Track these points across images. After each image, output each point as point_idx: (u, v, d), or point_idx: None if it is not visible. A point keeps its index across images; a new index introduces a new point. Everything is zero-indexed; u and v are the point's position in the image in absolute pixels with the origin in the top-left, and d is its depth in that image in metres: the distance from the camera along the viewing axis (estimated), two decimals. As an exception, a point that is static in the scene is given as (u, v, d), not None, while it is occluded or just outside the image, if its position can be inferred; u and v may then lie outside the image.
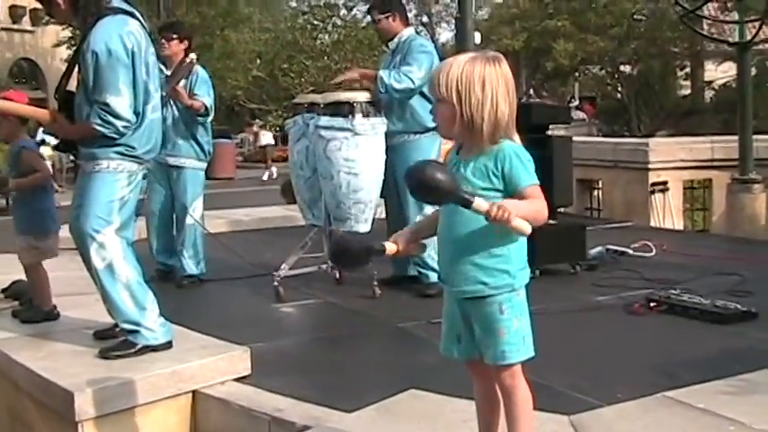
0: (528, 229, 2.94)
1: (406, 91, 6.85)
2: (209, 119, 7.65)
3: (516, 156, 3.03)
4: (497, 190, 3.03)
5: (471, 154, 3.09)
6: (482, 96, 3.00)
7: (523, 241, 3.11)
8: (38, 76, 36.10)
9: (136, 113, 4.95)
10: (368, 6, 8.30)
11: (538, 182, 3.05)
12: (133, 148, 4.98)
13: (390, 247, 3.18)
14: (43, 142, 19.08)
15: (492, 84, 3.01)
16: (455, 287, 3.15)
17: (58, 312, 5.93)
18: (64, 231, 6.20)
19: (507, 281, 3.07)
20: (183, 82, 7.42)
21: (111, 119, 4.83)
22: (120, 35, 4.87)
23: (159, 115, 5.24)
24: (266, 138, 27.28)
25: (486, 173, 3.04)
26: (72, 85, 5.14)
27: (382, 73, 6.88)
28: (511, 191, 3.02)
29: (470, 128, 3.03)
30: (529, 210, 2.99)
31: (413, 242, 3.26)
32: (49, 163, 18.74)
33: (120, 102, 4.85)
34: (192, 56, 7.58)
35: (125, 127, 4.89)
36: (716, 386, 4.41)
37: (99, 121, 4.84)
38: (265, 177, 24.36)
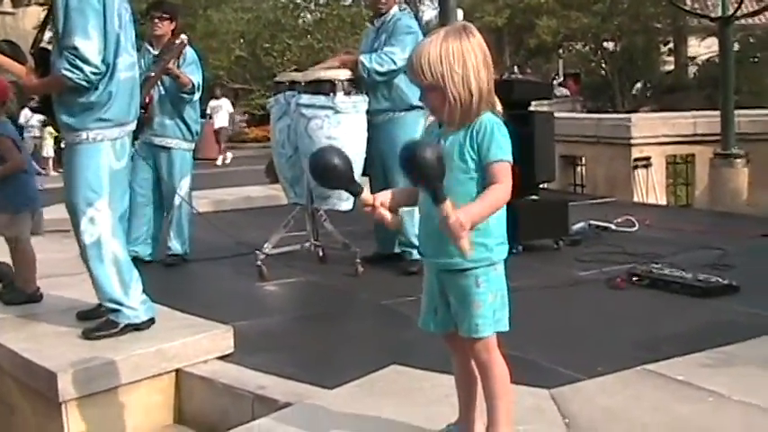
0: (467, 252, 2.92)
1: (389, 73, 6.85)
2: (196, 97, 7.61)
3: (492, 129, 3.03)
4: (473, 161, 3.02)
5: (452, 127, 3.09)
6: (464, 72, 3.00)
7: (503, 216, 3.12)
8: (19, 57, 35.75)
9: (106, 64, 4.85)
10: None
11: (509, 159, 3.04)
12: (111, 106, 4.90)
13: (367, 196, 3.12)
14: (23, 128, 18.87)
15: (470, 56, 3.01)
16: (434, 259, 3.16)
17: (41, 294, 5.91)
18: (50, 213, 6.22)
19: (485, 254, 3.08)
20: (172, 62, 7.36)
21: (79, 63, 4.72)
22: None
23: (134, 75, 5.13)
24: (220, 119, 26.26)
25: (464, 144, 3.04)
26: (48, 43, 5.09)
27: (363, 58, 6.86)
28: (480, 163, 3.02)
29: (460, 106, 3.02)
30: (489, 206, 2.99)
31: (389, 205, 3.17)
32: (30, 145, 18.60)
33: (89, 45, 4.74)
34: (183, 37, 7.52)
35: (94, 74, 4.77)
36: (696, 358, 4.45)
37: (67, 66, 4.73)
38: (219, 162, 23.92)
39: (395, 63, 6.80)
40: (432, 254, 3.17)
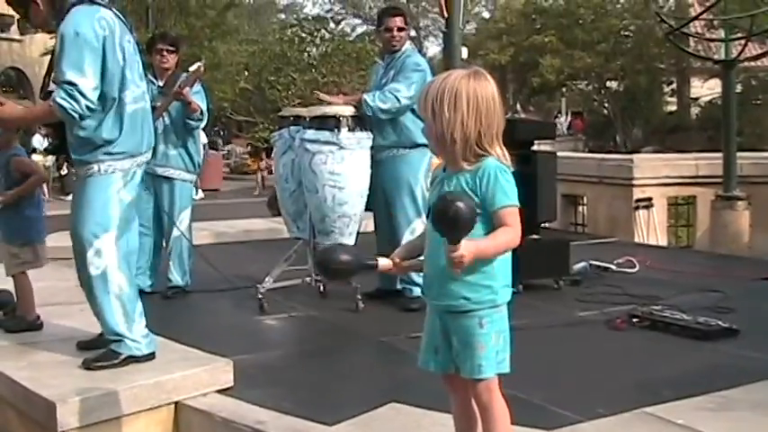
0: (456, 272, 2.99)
1: (392, 110, 6.87)
2: (202, 125, 7.62)
3: (495, 176, 3.05)
4: (478, 207, 3.04)
5: (454, 170, 3.12)
6: (452, 115, 3.04)
7: (508, 259, 3.15)
8: (25, 85, 35.96)
9: (111, 100, 4.86)
10: (394, 9, 8.01)
11: (515, 204, 3.07)
12: (119, 141, 4.91)
13: (384, 263, 3.23)
14: (34, 150, 18.98)
15: (466, 101, 3.04)
16: (437, 300, 3.18)
17: (41, 323, 5.91)
18: (50, 241, 6.23)
19: (490, 296, 3.10)
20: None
21: (76, 95, 4.70)
22: (89, 21, 4.81)
23: (144, 107, 5.12)
24: None
25: (466, 189, 3.06)
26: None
27: (366, 96, 6.89)
28: (486, 209, 3.05)
29: (443, 145, 3.08)
30: (494, 247, 3.04)
31: (407, 259, 3.29)
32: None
33: (85, 82, 4.73)
34: (200, 63, 7.54)
35: (88, 108, 4.75)
36: (696, 402, 4.45)
37: (62, 95, 4.71)
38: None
39: (398, 101, 6.82)
40: (435, 295, 3.18)
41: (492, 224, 3.06)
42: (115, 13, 5.05)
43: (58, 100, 4.74)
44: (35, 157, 20.95)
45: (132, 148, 5.00)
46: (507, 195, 3.06)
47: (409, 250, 3.36)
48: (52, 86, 5.09)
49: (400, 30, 7.21)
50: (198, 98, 7.50)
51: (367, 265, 3.19)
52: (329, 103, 7.09)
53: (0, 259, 6.05)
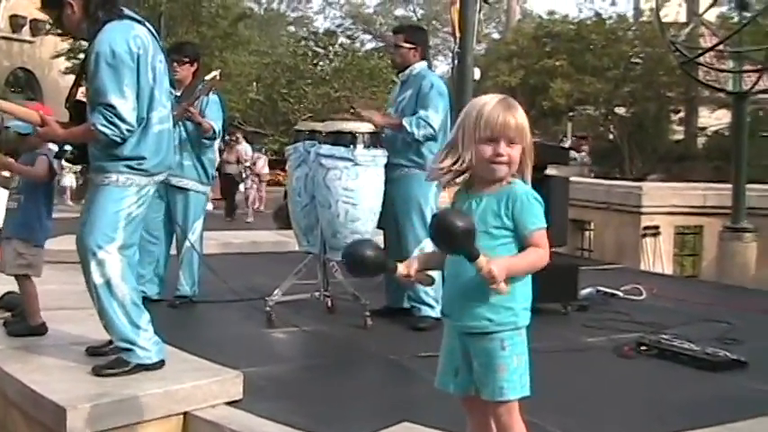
0: (503, 292, 3.01)
1: (427, 136, 6.93)
2: (217, 144, 7.65)
3: (527, 199, 3.11)
4: (507, 229, 3.07)
5: (483, 191, 3.14)
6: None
7: (529, 282, 3.16)
8: (34, 86, 35.95)
9: (139, 119, 4.90)
10: (397, 27, 8.38)
11: (544, 225, 3.12)
12: (142, 159, 4.94)
13: (401, 269, 3.23)
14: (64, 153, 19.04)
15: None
16: (459, 321, 3.19)
17: (46, 328, 5.91)
18: (54, 244, 6.21)
19: (511, 318, 3.12)
20: (198, 100, 7.39)
21: (116, 121, 4.77)
22: (125, 38, 4.85)
23: (168, 128, 5.17)
24: None
25: (498, 212, 3.10)
26: (82, 95, 5.12)
27: (406, 123, 6.92)
28: (518, 232, 3.08)
29: (508, 170, 3.16)
30: (526, 264, 3.09)
31: (421, 270, 3.29)
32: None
33: (124, 104, 4.79)
34: (216, 72, 7.56)
35: (128, 131, 4.83)
36: (705, 432, 4.45)
37: (103, 122, 4.77)
38: None
39: (432, 128, 6.90)
40: (456, 316, 3.20)
41: (522, 245, 3.11)
42: (149, 30, 5.07)
43: (100, 127, 4.79)
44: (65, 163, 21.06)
45: (152, 168, 5.03)
46: (539, 218, 3.13)
47: (425, 262, 3.36)
48: (80, 96, 5.11)
49: (398, 47, 7.30)
50: (214, 108, 7.53)
51: (389, 267, 3.22)
52: (363, 118, 7.09)
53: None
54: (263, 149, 22.89)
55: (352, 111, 7.62)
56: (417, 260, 3.33)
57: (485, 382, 3.15)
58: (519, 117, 3.18)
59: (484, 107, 3.17)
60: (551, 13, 33.40)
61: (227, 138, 20.26)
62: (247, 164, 21.54)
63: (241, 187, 21.62)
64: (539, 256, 3.10)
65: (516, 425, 3.18)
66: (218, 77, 7.47)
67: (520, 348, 3.16)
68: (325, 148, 6.75)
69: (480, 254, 2.93)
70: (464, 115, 3.22)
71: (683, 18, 24.49)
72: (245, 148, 21.76)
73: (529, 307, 3.20)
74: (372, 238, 6.65)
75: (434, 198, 7.05)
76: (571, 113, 33.41)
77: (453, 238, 2.89)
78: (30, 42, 35.48)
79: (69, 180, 22.35)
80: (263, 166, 22.36)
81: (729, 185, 12.94)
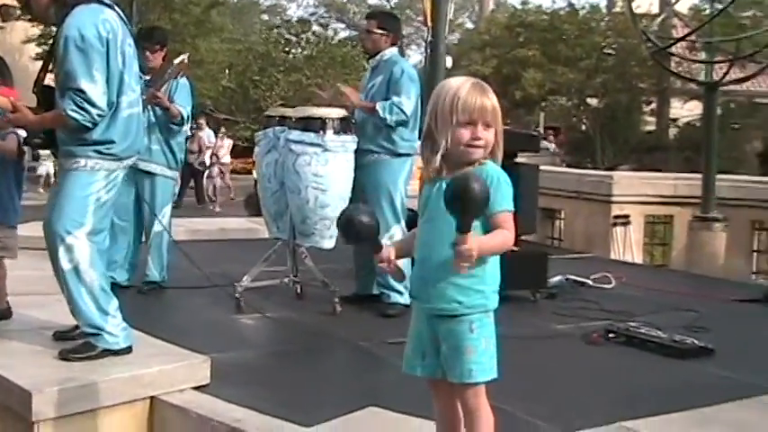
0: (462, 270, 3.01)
1: (399, 122, 6.93)
2: (185, 128, 7.61)
3: (498, 180, 3.11)
4: None
5: (454, 173, 3.12)
6: (498, 126, 3.22)
7: (497, 265, 3.16)
8: (4, 71, 35.64)
9: (109, 104, 4.87)
10: (368, 13, 8.43)
11: (512, 209, 3.12)
12: (111, 144, 4.90)
13: (385, 253, 3.25)
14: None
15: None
16: (429, 304, 3.18)
17: (11, 312, 5.87)
18: (25, 230, 6.17)
19: (481, 301, 3.13)
20: (166, 84, 7.35)
21: (86, 105, 4.73)
22: (94, 22, 4.80)
23: (138, 112, 5.13)
24: None
25: None
26: (50, 80, 5.08)
27: (379, 108, 6.89)
28: (485, 212, 3.05)
29: (482, 152, 3.17)
30: (494, 244, 3.07)
31: (395, 258, 3.30)
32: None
33: (95, 89, 4.76)
34: (184, 56, 7.51)
35: (99, 116, 4.79)
36: (672, 418, 4.49)
37: (73, 107, 4.73)
38: None
39: (405, 114, 6.89)
40: (426, 299, 3.19)
41: (489, 227, 3.09)
42: (118, 14, 5.03)
43: (70, 112, 4.75)
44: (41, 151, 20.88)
45: (121, 152, 4.99)
46: (507, 201, 3.12)
47: (397, 250, 3.36)
48: (48, 81, 5.06)
49: (369, 32, 7.29)
50: (183, 92, 7.48)
51: (378, 241, 3.24)
52: (343, 95, 7.12)
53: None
54: (224, 136, 22.44)
55: (330, 87, 7.61)
56: (395, 248, 3.34)
57: (453, 365, 3.14)
58: (493, 100, 3.19)
59: (459, 90, 3.15)
60: (525, 2, 33.49)
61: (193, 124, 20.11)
62: (209, 152, 21.19)
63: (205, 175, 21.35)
64: (505, 237, 3.08)
65: (483, 407, 3.18)
66: (185, 61, 7.42)
67: (488, 331, 3.16)
68: (295, 134, 6.72)
69: (471, 230, 2.92)
70: (436, 99, 3.21)
71: (655, 9, 24.52)
72: (207, 134, 21.32)
73: (497, 290, 3.20)
74: (324, 244, 6.70)
75: (404, 184, 7.04)
76: (543, 104, 33.46)
77: (474, 203, 2.86)
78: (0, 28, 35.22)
79: (45, 168, 22.14)
80: (225, 153, 21.99)
81: (700, 175, 13.02)
